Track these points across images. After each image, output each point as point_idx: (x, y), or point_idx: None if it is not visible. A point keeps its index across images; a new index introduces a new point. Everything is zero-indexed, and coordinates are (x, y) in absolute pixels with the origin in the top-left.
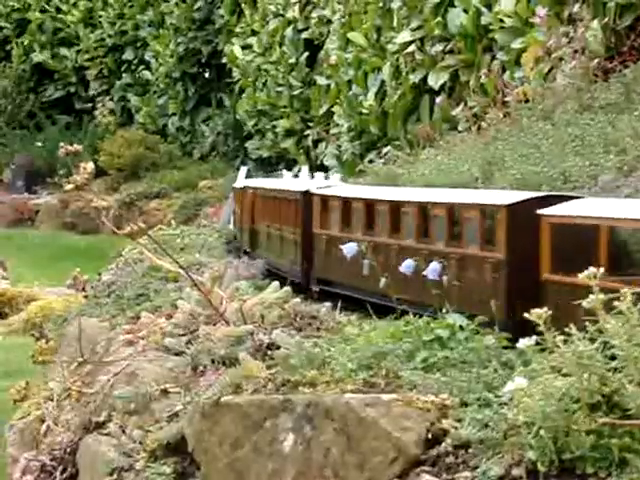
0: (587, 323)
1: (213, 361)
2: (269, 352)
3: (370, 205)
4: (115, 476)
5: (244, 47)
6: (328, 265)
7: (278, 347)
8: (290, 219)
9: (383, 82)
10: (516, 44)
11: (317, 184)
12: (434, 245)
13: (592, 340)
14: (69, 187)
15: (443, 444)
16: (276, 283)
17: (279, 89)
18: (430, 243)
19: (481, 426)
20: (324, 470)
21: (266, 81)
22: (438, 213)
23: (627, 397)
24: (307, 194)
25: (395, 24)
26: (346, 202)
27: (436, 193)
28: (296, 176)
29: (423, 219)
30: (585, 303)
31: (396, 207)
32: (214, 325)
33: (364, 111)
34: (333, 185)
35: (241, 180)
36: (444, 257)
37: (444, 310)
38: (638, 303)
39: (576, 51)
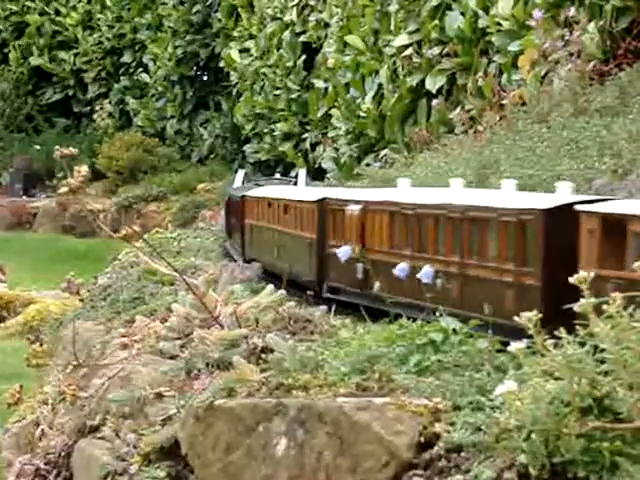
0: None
1: (207, 365)
2: (263, 356)
3: None
4: None
5: (242, 50)
6: None
7: (272, 351)
8: (500, 252)
9: (381, 85)
10: (513, 47)
11: (567, 197)
12: None
13: (582, 344)
14: (63, 190)
15: (435, 448)
16: (271, 286)
17: (277, 92)
18: None
19: (473, 430)
20: (317, 474)
21: (264, 84)
22: None
23: (618, 401)
24: (559, 212)
25: (392, 27)
26: None
27: None
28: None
29: None
30: (576, 307)
31: None
32: (209, 329)
33: (362, 114)
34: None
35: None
36: None
37: None
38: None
39: (572, 54)
